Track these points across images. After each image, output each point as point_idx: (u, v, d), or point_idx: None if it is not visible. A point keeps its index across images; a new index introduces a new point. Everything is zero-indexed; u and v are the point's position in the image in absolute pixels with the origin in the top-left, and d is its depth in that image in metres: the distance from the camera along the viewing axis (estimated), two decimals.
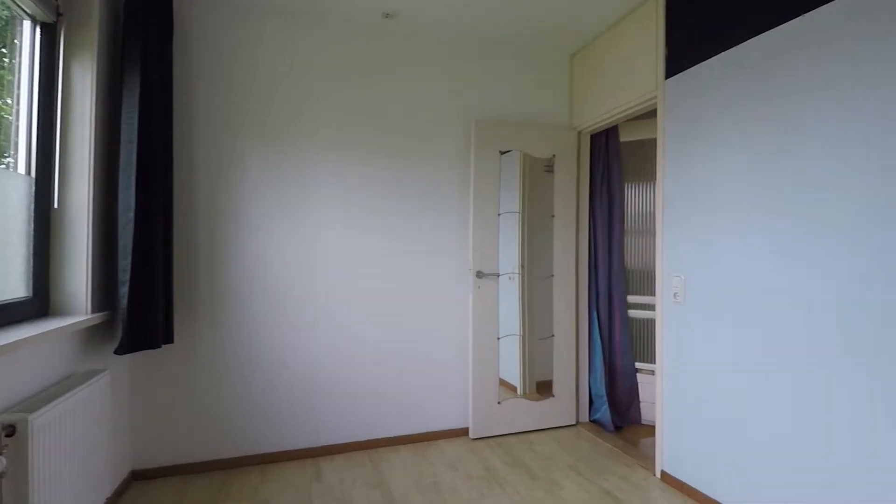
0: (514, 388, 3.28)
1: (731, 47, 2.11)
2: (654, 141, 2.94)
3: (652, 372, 3.32)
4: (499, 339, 3.09)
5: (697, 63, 2.29)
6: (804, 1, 1.81)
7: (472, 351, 3.01)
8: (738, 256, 2.08)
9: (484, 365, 3.03)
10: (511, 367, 3.24)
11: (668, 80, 2.47)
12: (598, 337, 3.25)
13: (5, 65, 1.80)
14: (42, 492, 1.49)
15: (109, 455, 2.02)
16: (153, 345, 2.19)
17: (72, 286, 2.01)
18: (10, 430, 1.41)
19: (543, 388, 3.27)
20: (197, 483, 2.45)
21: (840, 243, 1.68)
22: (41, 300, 1.93)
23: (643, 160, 3.61)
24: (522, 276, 3.24)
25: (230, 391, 2.64)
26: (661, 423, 2.51)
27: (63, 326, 1.72)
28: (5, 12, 1.77)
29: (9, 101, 1.81)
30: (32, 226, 1.89)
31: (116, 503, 2.24)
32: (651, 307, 3.34)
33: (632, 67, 2.75)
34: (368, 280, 2.89)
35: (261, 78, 2.71)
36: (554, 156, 3.21)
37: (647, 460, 2.71)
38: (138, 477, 2.48)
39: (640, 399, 3.31)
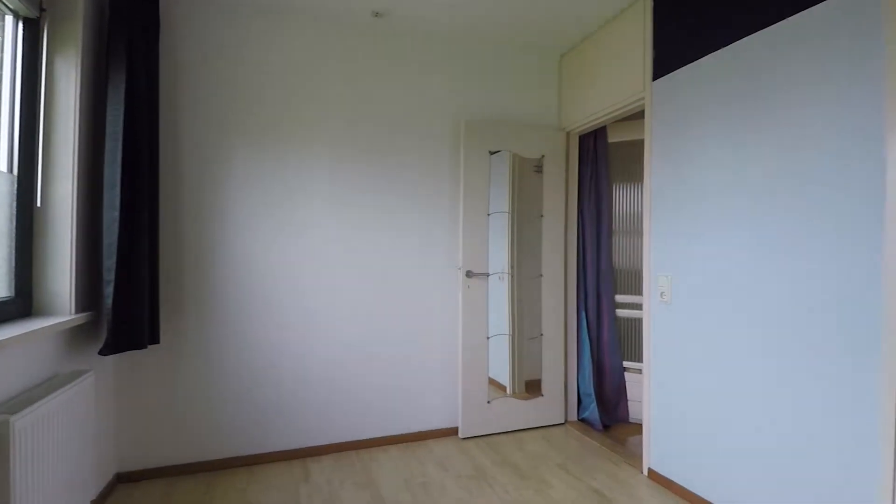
0: (503, 388, 3.29)
1: (718, 49, 2.14)
2: (642, 142, 2.97)
3: (639, 371, 3.36)
4: (488, 338, 3.10)
5: (684, 65, 2.32)
6: (786, 6, 1.84)
7: (461, 350, 3.02)
8: (724, 256, 2.11)
9: (473, 364, 3.04)
10: (500, 367, 3.26)
11: (656, 81, 2.50)
12: (587, 336, 3.27)
13: None
14: (24, 495, 1.46)
15: (94, 457, 1.99)
16: (139, 345, 2.17)
17: (55, 286, 1.97)
18: None
19: (532, 388, 3.29)
20: (183, 485, 2.43)
21: (826, 242, 1.72)
22: (24, 300, 1.90)
23: (631, 161, 3.65)
24: (512, 276, 3.26)
25: (216, 392, 2.61)
26: (649, 421, 2.53)
27: (46, 327, 1.70)
28: None
29: None
30: (14, 224, 1.86)
31: None
32: (639, 306, 3.38)
33: (620, 69, 2.78)
34: (357, 279, 2.89)
35: (248, 76, 2.69)
36: (543, 156, 3.23)
37: (635, 458, 2.73)
38: (123, 479, 2.45)
39: (628, 398, 3.34)
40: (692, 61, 2.27)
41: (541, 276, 3.23)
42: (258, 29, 2.70)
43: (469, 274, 3.03)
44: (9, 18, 1.84)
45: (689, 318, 2.29)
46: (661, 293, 2.45)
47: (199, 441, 2.58)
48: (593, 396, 3.22)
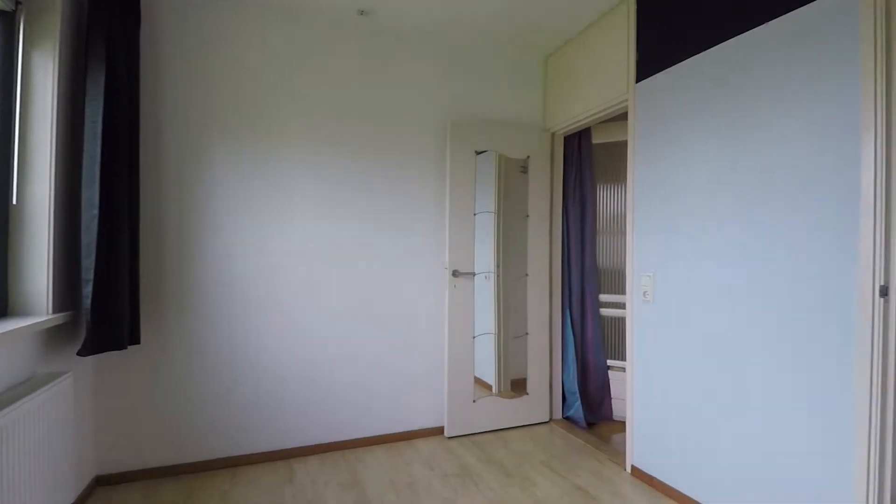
0: (489, 387, 3.30)
1: (698, 53, 2.18)
2: (626, 143, 3.00)
3: (623, 369, 3.40)
4: (474, 337, 3.11)
5: (667, 67, 2.35)
6: (763, 13, 1.88)
7: (447, 350, 3.02)
8: (704, 255, 2.15)
9: (459, 364, 3.05)
10: (486, 366, 3.27)
11: (639, 83, 2.53)
12: (571, 335, 3.30)
13: None
14: (0, 499, 1.43)
15: (72, 460, 1.95)
16: (118, 346, 2.13)
17: (32, 285, 1.93)
18: None
19: (518, 386, 3.31)
20: (164, 488, 2.39)
21: (804, 240, 1.76)
22: None
23: (615, 162, 3.68)
24: (498, 275, 3.27)
25: (198, 393, 2.58)
26: (632, 419, 2.57)
27: (23, 327, 1.65)
28: None
29: None
30: None
31: None
32: (622, 305, 3.42)
33: (604, 70, 2.81)
34: (340, 277, 2.87)
35: (230, 71, 2.65)
36: (528, 156, 3.25)
37: (619, 455, 2.76)
38: (102, 482, 2.40)
39: (612, 396, 3.38)
40: (674, 64, 2.31)
41: (526, 275, 3.25)
42: (241, 24, 2.67)
43: (455, 273, 3.03)
44: None
45: (671, 317, 2.33)
46: (644, 292, 2.48)
47: (181, 443, 2.54)
48: (578, 395, 3.25)
